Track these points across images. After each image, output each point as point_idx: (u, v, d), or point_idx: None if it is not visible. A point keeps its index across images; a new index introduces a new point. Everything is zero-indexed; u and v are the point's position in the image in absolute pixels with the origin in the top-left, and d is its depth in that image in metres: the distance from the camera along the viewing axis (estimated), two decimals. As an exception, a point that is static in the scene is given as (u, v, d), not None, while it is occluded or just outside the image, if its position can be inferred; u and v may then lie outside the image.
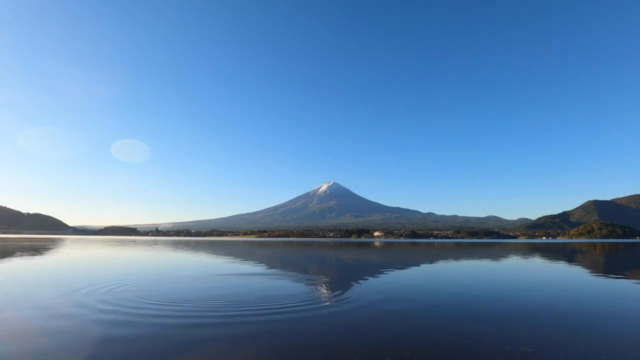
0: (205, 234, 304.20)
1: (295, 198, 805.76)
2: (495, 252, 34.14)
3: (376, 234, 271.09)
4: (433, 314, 6.54)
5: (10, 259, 19.51)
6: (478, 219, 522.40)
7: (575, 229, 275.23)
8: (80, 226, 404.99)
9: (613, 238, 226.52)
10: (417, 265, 17.84)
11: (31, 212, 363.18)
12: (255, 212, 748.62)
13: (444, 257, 24.17)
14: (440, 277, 12.75)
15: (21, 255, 22.06)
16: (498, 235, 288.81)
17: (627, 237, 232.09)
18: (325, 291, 9.18)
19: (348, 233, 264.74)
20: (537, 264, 19.65)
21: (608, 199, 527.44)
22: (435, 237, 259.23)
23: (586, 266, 18.24)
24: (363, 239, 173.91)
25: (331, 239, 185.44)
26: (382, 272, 13.73)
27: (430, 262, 19.56)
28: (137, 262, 18.88)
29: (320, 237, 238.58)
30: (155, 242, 63.14)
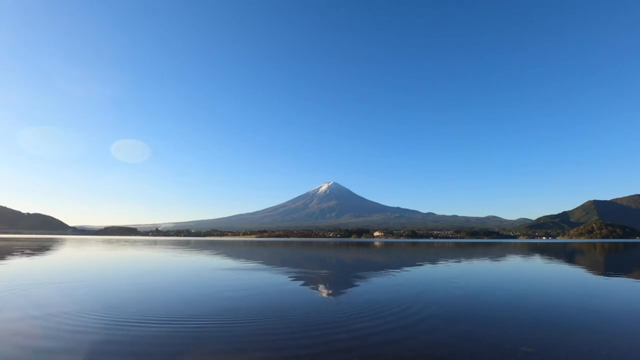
0: (205, 234, 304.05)
1: (295, 198, 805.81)
2: (495, 252, 34.12)
3: (376, 234, 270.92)
4: (432, 313, 6.51)
5: None
6: (478, 219, 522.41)
7: (575, 229, 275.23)
8: (80, 226, 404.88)
9: (613, 238, 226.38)
10: (417, 265, 17.82)
11: (31, 212, 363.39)
12: (255, 212, 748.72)
13: (444, 257, 24.15)
14: (439, 277, 12.72)
15: None
16: (498, 235, 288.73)
17: (627, 237, 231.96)
18: (324, 291, 9.16)
19: (348, 233, 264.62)
20: (537, 264, 19.62)
21: (608, 199, 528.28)
22: (436, 237, 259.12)
23: (586, 266, 18.22)
24: (363, 239, 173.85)
25: (331, 239, 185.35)
26: (381, 272, 13.71)
27: (430, 262, 19.54)
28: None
29: (320, 237, 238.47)
30: (154, 242, 63.12)
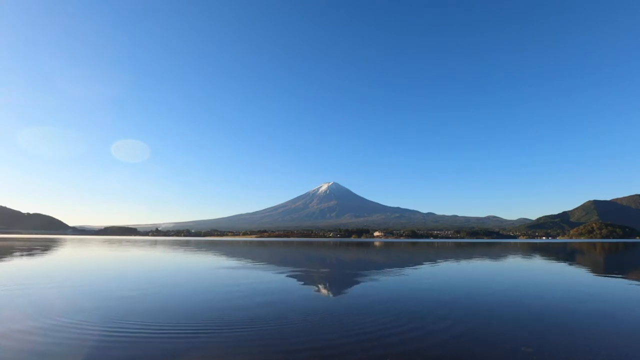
0: (205, 234, 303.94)
1: (295, 198, 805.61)
2: (495, 252, 34.13)
3: (376, 234, 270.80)
4: (432, 314, 6.53)
5: None
6: (478, 219, 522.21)
7: (575, 229, 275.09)
8: (80, 226, 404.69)
9: (613, 238, 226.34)
10: (417, 265, 17.83)
11: (31, 212, 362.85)
12: (255, 212, 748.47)
13: (444, 257, 24.16)
14: (439, 277, 12.74)
15: None
16: (498, 235, 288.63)
17: (627, 237, 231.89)
18: (323, 290, 9.18)
19: (348, 233, 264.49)
20: (537, 264, 19.63)
21: (608, 199, 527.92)
22: (436, 237, 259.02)
23: (586, 266, 18.23)
24: (363, 239, 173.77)
25: (331, 238, 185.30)
26: (382, 272, 13.72)
27: (431, 262, 19.55)
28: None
29: (320, 237, 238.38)
30: (155, 242, 63.11)
